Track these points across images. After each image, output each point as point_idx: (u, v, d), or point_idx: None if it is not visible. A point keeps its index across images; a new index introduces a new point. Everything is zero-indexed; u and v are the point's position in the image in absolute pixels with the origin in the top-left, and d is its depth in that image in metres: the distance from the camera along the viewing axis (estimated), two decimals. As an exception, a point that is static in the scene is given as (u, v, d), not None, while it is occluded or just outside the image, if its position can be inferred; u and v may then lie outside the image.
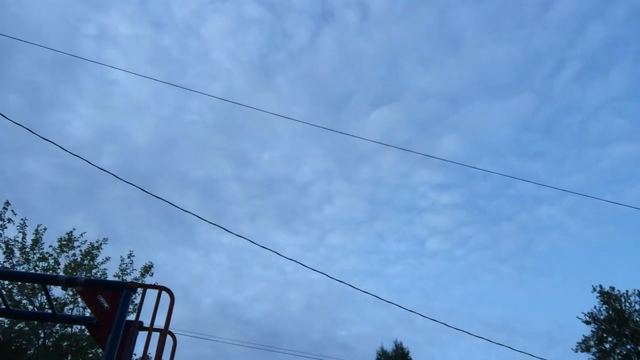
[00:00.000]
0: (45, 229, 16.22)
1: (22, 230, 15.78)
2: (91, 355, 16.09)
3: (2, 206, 15.64)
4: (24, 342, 15.37)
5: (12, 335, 15.00)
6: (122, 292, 3.97)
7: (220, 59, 58.36)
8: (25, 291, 15.17)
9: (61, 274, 15.38)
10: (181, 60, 54.18)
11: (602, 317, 23.29)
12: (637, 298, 23.10)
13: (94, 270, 16.58)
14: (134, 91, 54.03)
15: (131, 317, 4.17)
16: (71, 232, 16.73)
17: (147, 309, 4.08)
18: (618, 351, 22.69)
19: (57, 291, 15.71)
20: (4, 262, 15.22)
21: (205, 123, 56.66)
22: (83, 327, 13.94)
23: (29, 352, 15.32)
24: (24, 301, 15.16)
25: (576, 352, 23.51)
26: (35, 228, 16.12)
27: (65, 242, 16.39)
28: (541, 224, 54.40)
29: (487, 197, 59.02)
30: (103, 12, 48.03)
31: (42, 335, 15.35)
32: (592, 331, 23.46)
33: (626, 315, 22.69)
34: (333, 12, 58.63)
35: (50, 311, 4.30)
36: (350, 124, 56.50)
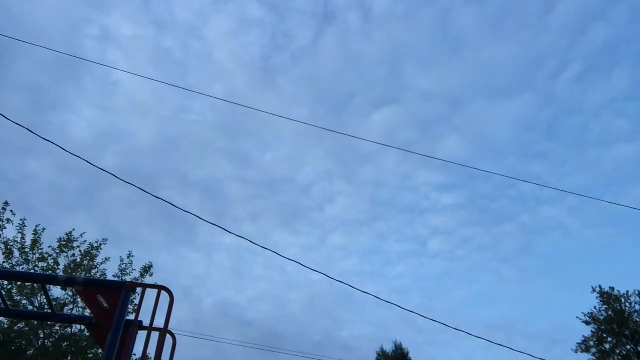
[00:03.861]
0: (44, 229, 16.23)
1: (21, 231, 15.77)
2: (91, 355, 16.08)
3: (1, 206, 15.62)
4: (23, 342, 15.36)
5: (12, 335, 14.99)
6: (121, 292, 3.97)
7: (222, 60, 58.41)
8: (25, 291, 15.16)
9: (61, 274, 15.37)
10: (183, 61, 54.25)
11: (602, 318, 23.28)
12: (637, 298, 23.11)
13: (93, 271, 16.57)
14: (136, 92, 54.13)
15: (131, 317, 4.17)
16: (71, 232, 16.74)
17: (148, 309, 4.08)
18: (618, 352, 22.68)
19: (56, 291, 15.72)
20: (4, 262, 15.21)
21: (207, 124, 56.73)
22: (83, 327, 13.94)
23: (29, 352, 15.31)
24: (24, 301, 15.15)
25: (576, 352, 23.52)
26: (34, 228, 16.13)
27: (64, 243, 16.38)
28: (543, 224, 54.45)
29: (488, 198, 59.08)
30: (105, 13, 48.09)
31: (42, 335, 15.34)
32: (592, 332, 23.46)
33: (626, 316, 22.68)
34: (335, 13, 58.69)
35: (50, 311, 4.30)
36: (352, 125, 56.54)
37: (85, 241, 16.88)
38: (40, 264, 15.72)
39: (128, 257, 17.24)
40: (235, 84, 56.62)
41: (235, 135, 61.12)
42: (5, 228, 15.60)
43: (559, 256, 54.76)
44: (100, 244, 17.05)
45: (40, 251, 15.93)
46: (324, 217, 57.45)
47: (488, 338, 8.10)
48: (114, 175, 6.66)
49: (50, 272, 15.40)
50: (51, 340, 15.53)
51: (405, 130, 60.66)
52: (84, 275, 15.90)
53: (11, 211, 15.72)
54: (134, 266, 17.26)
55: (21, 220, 15.85)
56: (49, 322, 14.69)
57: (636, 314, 22.82)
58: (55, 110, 45.61)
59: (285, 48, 60.36)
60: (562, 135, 57.96)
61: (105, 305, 3.91)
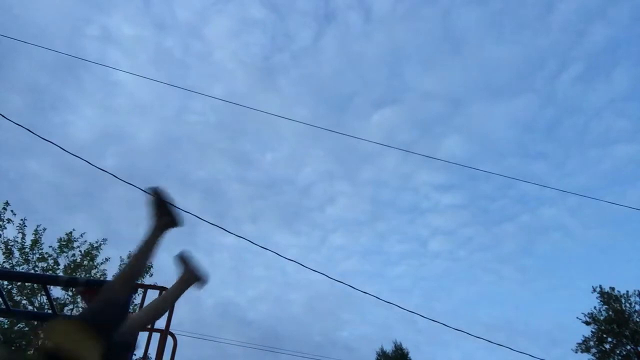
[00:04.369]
0: (44, 229, 16.23)
1: (21, 231, 15.78)
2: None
3: (2, 206, 15.62)
4: (24, 342, 15.36)
5: (12, 335, 14.98)
6: (122, 292, 3.97)
7: (223, 60, 58.28)
8: (25, 291, 15.15)
9: (61, 274, 15.37)
10: (184, 61, 54.12)
11: (602, 318, 23.30)
12: (637, 299, 23.13)
13: (93, 271, 16.58)
14: (137, 92, 53.94)
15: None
16: (71, 232, 16.74)
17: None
18: (618, 352, 22.70)
19: (56, 291, 15.72)
20: (4, 262, 15.21)
21: (208, 124, 56.66)
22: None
23: (29, 352, 15.30)
24: (24, 301, 15.14)
25: (576, 352, 23.54)
26: (34, 228, 16.14)
27: (64, 243, 16.39)
28: (543, 224, 54.31)
29: (489, 198, 58.95)
30: (106, 14, 47.98)
31: (42, 335, 15.33)
32: (592, 332, 23.48)
33: (626, 316, 22.70)
34: (336, 13, 58.54)
35: (50, 311, 4.31)
36: (353, 125, 56.43)
37: (85, 241, 16.91)
38: (40, 264, 15.73)
39: (128, 258, 17.25)
40: (236, 84, 56.57)
41: (235, 135, 61.13)
42: (5, 228, 15.62)
43: (559, 256, 54.70)
44: (100, 244, 17.08)
45: (40, 251, 15.93)
46: (324, 217, 57.41)
47: (488, 338, 8.09)
48: (114, 176, 6.66)
49: (50, 272, 15.40)
50: (51, 340, 15.51)
51: (406, 130, 60.62)
52: (84, 276, 15.90)
53: (11, 211, 15.74)
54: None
55: (21, 220, 15.87)
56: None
57: (636, 314, 22.83)
58: (55, 110, 45.53)
59: (285, 48, 60.31)
60: (563, 136, 57.92)
61: (106, 305, 3.91)
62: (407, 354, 28.06)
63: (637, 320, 22.57)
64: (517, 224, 54.24)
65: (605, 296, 23.46)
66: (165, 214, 2.55)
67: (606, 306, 23.37)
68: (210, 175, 55.73)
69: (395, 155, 76.61)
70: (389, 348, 28.65)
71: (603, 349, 22.96)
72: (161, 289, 4.06)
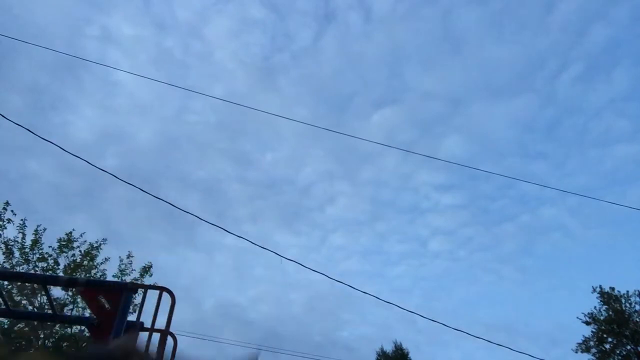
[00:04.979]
0: (44, 229, 16.24)
1: (21, 231, 15.78)
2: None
3: (2, 206, 15.63)
4: (24, 342, 15.36)
5: (12, 335, 14.99)
6: (122, 292, 3.97)
7: (223, 60, 58.36)
8: (25, 291, 15.15)
9: (60, 274, 15.38)
10: (184, 61, 54.18)
11: (602, 318, 23.30)
12: (637, 299, 23.13)
13: (93, 271, 16.57)
14: (137, 92, 54.05)
15: (132, 317, 4.16)
16: (70, 232, 16.74)
17: (148, 310, 4.07)
18: (618, 352, 22.70)
19: (56, 291, 15.73)
20: (4, 262, 15.22)
21: (208, 124, 56.76)
22: (83, 327, 13.94)
23: (29, 352, 15.30)
24: (24, 301, 15.15)
25: (576, 352, 23.54)
26: (34, 228, 16.14)
27: (64, 243, 16.38)
28: (543, 224, 54.39)
29: (489, 198, 59.05)
30: (106, 14, 48.03)
31: (42, 335, 15.33)
32: (592, 332, 23.48)
33: (626, 316, 22.70)
34: (336, 13, 58.65)
35: (50, 311, 4.30)
36: (353, 125, 56.51)
37: (85, 241, 16.90)
38: (40, 264, 15.73)
39: (128, 258, 17.25)
40: (236, 84, 56.64)
41: (235, 135, 61.27)
42: (5, 228, 15.63)
43: (559, 256, 54.81)
44: (100, 244, 17.07)
45: (40, 251, 15.94)
46: (324, 217, 57.45)
47: (488, 338, 8.10)
48: (114, 176, 6.65)
49: (50, 272, 15.40)
50: (51, 340, 15.53)
51: (406, 130, 60.71)
52: (84, 276, 15.90)
53: (12, 211, 15.75)
54: (134, 266, 17.26)
55: (21, 220, 15.88)
56: (49, 322, 14.69)
57: (636, 314, 22.83)
58: (55, 110, 45.59)
59: (285, 48, 60.38)
60: (563, 136, 58.01)
61: (107, 306, 3.91)
62: (407, 354, 28.03)
63: (637, 320, 22.57)
64: (517, 224, 54.33)
65: (605, 296, 23.45)
66: None
67: (606, 306, 23.36)
68: (210, 175, 55.83)
69: (395, 155, 76.70)
70: (389, 348, 28.63)
71: (603, 349, 22.96)
72: (161, 289, 4.06)
